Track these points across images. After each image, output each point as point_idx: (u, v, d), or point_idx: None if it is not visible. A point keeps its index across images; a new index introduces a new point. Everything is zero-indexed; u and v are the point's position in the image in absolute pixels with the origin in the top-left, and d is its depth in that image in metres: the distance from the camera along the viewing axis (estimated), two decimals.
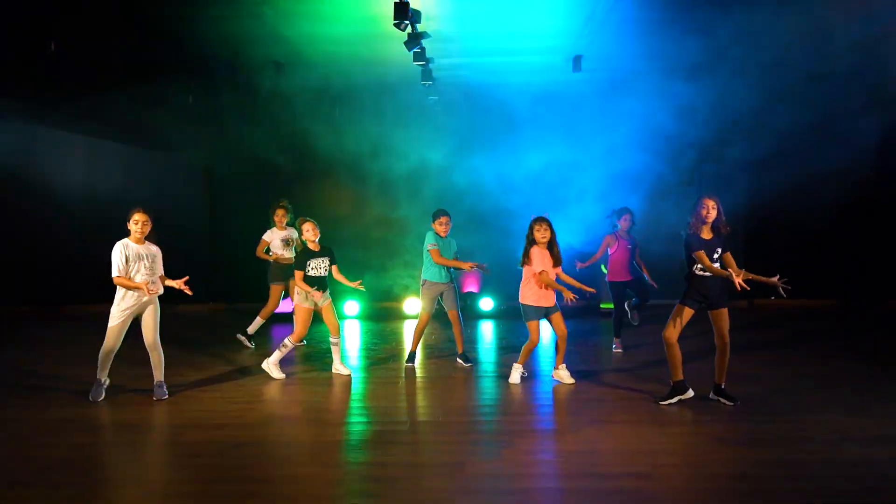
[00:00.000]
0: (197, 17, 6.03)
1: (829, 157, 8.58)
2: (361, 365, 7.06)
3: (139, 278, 5.46)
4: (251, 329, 7.90)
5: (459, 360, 6.85)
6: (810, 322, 9.38)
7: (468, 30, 6.52)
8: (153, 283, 5.53)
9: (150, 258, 5.58)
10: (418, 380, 6.41)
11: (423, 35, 5.84)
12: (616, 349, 7.34)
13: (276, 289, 7.79)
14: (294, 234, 7.52)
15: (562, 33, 6.66)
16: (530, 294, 5.90)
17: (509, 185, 9.38)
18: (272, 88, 7.65)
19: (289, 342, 6.34)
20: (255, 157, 10.06)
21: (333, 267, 6.38)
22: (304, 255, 6.25)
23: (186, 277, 5.59)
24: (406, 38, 5.81)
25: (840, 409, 5.17)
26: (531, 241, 5.89)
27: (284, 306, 8.44)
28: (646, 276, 7.16)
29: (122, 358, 5.81)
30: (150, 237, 5.69)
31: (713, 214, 5.08)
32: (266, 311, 7.80)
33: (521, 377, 6.17)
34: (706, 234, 5.16)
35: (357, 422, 5.14)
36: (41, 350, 8.04)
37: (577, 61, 7.17)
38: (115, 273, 5.44)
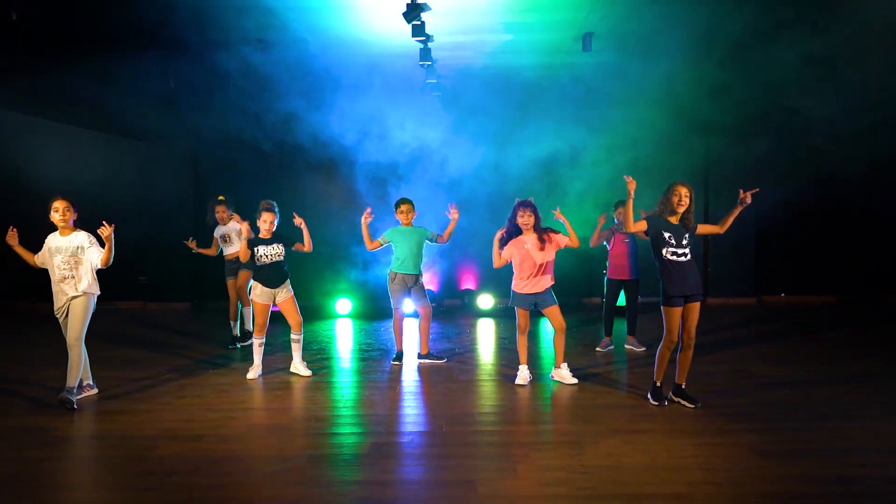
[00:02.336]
0: None
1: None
2: (354, 368, 6.53)
3: (56, 274, 5.03)
4: (236, 331, 7.47)
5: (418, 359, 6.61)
6: (825, 318, 8.94)
7: (471, 2, 5.98)
8: (68, 278, 5.02)
9: (69, 251, 5.04)
10: (415, 384, 5.87)
11: (423, 7, 5.31)
12: (601, 348, 6.97)
13: (229, 283, 7.39)
14: (232, 229, 7.18)
15: (572, 5, 6.13)
16: (515, 280, 5.58)
17: (509, 172, 8.88)
18: (257, 69, 7.09)
19: (254, 338, 6.04)
20: (242, 144, 9.52)
21: (295, 246, 6.03)
22: (253, 241, 5.88)
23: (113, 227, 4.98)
24: (406, 9, 5.29)
25: (882, 415, 4.71)
26: (513, 230, 5.56)
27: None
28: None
29: (97, 360, 5.28)
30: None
31: (685, 203, 4.77)
32: (231, 309, 7.43)
33: (529, 381, 5.68)
34: (674, 221, 4.84)
35: (351, 433, 4.60)
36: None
37: (587, 39, 6.65)
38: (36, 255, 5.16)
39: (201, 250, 7.40)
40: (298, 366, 6.10)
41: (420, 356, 6.59)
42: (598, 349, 6.97)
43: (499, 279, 9.37)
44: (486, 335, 8.24)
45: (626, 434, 4.42)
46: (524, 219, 5.46)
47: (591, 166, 8.45)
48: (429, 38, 6.00)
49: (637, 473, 3.78)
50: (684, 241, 4.82)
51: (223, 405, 5.19)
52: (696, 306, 4.87)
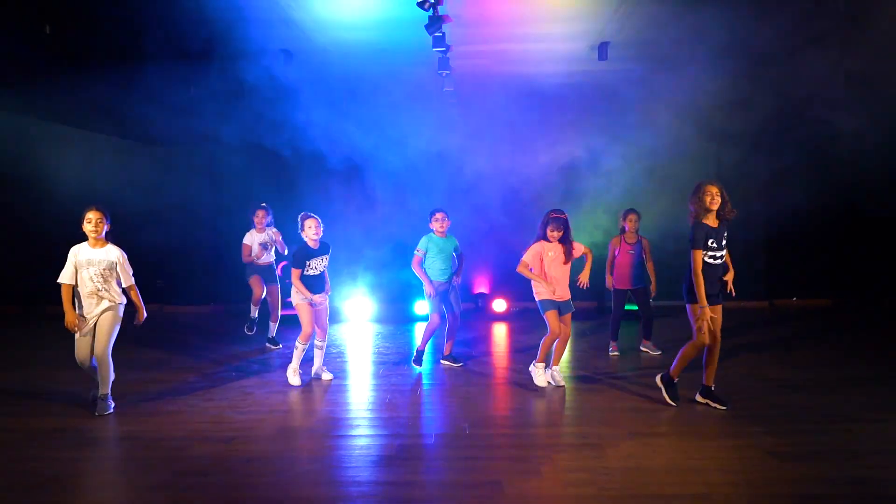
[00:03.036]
0: None
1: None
2: (373, 371, 6.66)
3: (87, 287, 4.95)
4: (254, 314, 7.70)
5: (445, 361, 6.70)
6: (836, 322, 9.01)
7: (489, 13, 6.13)
8: (101, 290, 4.98)
9: (102, 264, 4.97)
10: (435, 388, 6.00)
11: (444, 18, 5.45)
12: (612, 352, 7.12)
13: (254, 279, 7.49)
14: (271, 236, 7.31)
15: (589, 16, 6.25)
16: (540, 289, 5.68)
17: (524, 178, 9.00)
18: (279, 78, 7.24)
19: (299, 344, 5.95)
20: (261, 150, 9.67)
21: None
22: (303, 253, 5.80)
23: (145, 317, 5.27)
24: (427, 22, 5.43)
25: (893, 418, 4.80)
26: (541, 237, 5.69)
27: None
28: (653, 281, 6.96)
29: (121, 363, 5.40)
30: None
31: (717, 201, 4.73)
32: (254, 299, 7.55)
33: (549, 383, 5.80)
34: (712, 222, 4.80)
35: (376, 434, 4.72)
36: (31, 352, 7.64)
37: (602, 48, 6.78)
38: (60, 278, 4.97)
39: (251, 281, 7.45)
40: (321, 370, 6.17)
41: (442, 357, 6.73)
42: (610, 353, 7.12)
43: (512, 283, 9.50)
44: (499, 338, 8.35)
45: (644, 437, 4.53)
46: (554, 233, 5.62)
47: (605, 174, 8.57)
48: (448, 48, 6.13)
49: (657, 475, 3.89)
50: (723, 242, 4.85)
51: (249, 407, 5.33)
52: (720, 308, 4.95)
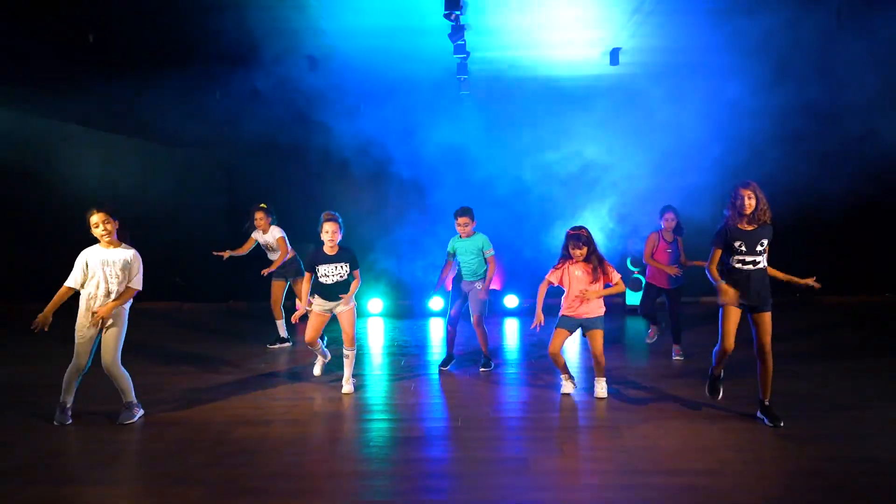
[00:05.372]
0: (241, 4, 5.89)
1: None
2: (394, 363, 6.94)
3: (101, 288, 4.71)
4: (282, 333, 7.68)
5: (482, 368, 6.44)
6: (840, 317, 9.28)
7: (508, 22, 6.43)
8: (112, 293, 4.73)
9: (118, 264, 4.72)
10: (455, 378, 6.26)
11: (466, 27, 5.76)
12: (649, 339, 7.42)
13: (274, 284, 7.49)
14: (272, 237, 7.24)
15: (603, 23, 6.55)
16: (564, 301, 5.45)
17: (538, 180, 9.28)
18: (303, 83, 7.54)
19: (308, 346, 5.85)
20: (276, 151, 9.96)
21: (355, 272, 5.63)
22: (312, 257, 5.56)
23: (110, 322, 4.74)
24: (450, 31, 5.74)
25: None
26: (565, 256, 5.38)
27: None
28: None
29: (155, 355, 5.69)
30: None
31: (751, 204, 4.61)
32: (274, 309, 7.54)
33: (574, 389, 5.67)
34: (746, 226, 4.68)
35: (405, 418, 5.04)
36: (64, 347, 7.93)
37: (614, 54, 7.08)
38: (67, 281, 4.73)
39: (233, 253, 7.35)
40: (347, 382, 5.73)
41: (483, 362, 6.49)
42: (647, 340, 7.43)
43: (523, 279, 9.79)
44: (510, 336, 8.64)
45: (658, 420, 4.84)
46: (576, 251, 5.27)
47: (620, 179, 8.81)
48: (467, 54, 6.44)
49: (672, 453, 4.21)
50: (759, 248, 4.64)
51: (284, 395, 5.63)
52: (764, 317, 4.65)
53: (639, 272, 9.70)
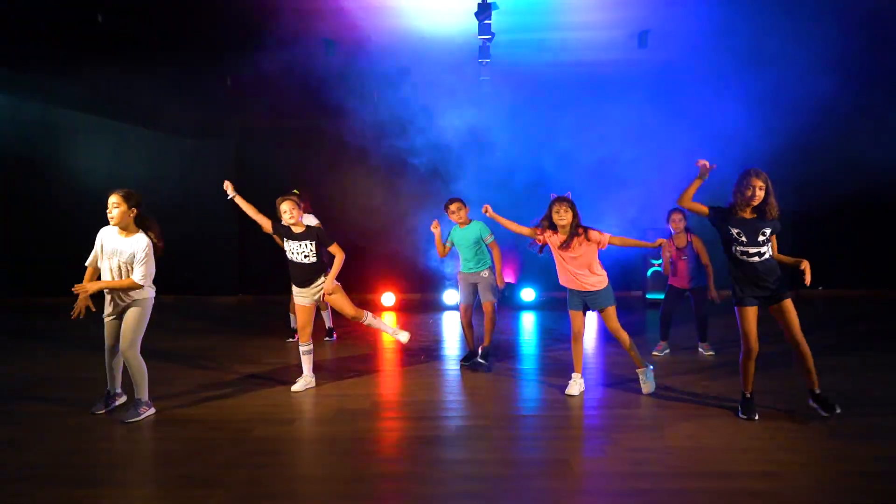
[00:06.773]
0: None
1: None
2: (412, 359, 6.71)
3: (107, 271, 4.59)
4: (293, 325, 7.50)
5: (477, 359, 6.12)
6: (863, 311, 9.04)
7: (534, 2, 6.17)
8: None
9: (124, 255, 4.54)
10: (480, 376, 6.00)
11: (493, 5, 5.49)
12: (656, 352, 6.60)
13: None
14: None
15: (630, 4, 6.29)
16: (559, 274, 5.16)
17: (558, 167, 9.02)
18: (320, 68, 7.27)
19: (364, 321, 5.60)
20: (286, 139, 9.73)
21: (332, 249, 5.32)
22: (282, 228, 5.34)
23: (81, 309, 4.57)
24: (477, 9, 5.48)
25: None
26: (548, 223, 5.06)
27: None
28: (709, 283, 6.34)
29: (165, 349, 5.46)
30: (153, 226, 4.68)
31: (760, 196, 4.33)
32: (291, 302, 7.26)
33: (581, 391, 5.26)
34: (747, 215, 4.42)
35: (431, 416, 4.79)
36: (81, 341, 7.73)
37: (643, 36, 6.80)
38: (87, 261, 4.70)
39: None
40: (395, 331, 5.69)
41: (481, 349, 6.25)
42: (653, 353, 6.57)
43: (540, 271, 9.56)
44: (527, 329, 8.39)
45: (700, 418, 4.58)
46: (559, 216, 4.97)
47: (647, 170, 8.54)
48: (492, 35, 6.17)
49: (720, 454, 3.95)
50: (760, 238, 4.39)
51: (303, 392, 5.39)
52: (786, 305, 4.40)
53: (659, 265, 9.47)
